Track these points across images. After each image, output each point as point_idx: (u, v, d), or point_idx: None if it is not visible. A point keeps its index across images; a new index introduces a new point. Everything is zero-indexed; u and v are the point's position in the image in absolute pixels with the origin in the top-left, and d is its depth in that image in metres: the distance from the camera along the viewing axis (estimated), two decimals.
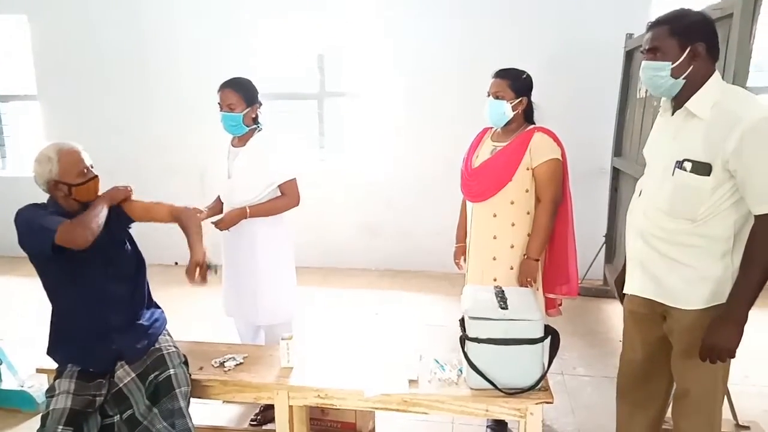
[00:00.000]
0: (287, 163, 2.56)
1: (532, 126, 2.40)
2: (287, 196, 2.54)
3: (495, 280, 2.40)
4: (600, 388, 2.89)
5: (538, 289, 2.46)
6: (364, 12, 4.52)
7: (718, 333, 1.65)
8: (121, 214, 2.12)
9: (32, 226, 1.91)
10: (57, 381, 1.96)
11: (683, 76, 1.65)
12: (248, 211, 2.45)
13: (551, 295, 2.50)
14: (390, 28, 4.50)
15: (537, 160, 2.33)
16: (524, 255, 2.39)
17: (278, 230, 2.58)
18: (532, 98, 2.43)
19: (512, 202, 2.38)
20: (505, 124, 2.41)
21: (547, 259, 2.48)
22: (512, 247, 2.40)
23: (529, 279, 2.38)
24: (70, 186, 1.97)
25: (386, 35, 4.52)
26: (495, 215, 2.40)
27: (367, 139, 4.77)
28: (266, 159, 2.50)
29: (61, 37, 4.91)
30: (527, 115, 2.43)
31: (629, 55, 3.92)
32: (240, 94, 2.48)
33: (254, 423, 2.60)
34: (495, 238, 2.42)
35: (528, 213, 2.39)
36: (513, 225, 2.39)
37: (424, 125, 4.56)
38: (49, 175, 1.96)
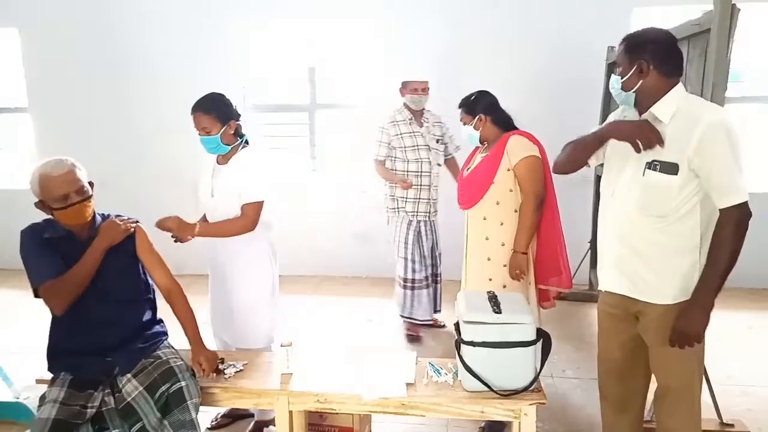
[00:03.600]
0: (259, 184, 2.41)
1: (510, 132, 2.58)
2: (243, 219, 2.38)
3: (490, 280, 2.53)
4: (588, 389, 2.97)
5: (530, 283, 2.57)
6: (354, 26, 4.62)
7: (686, 319, 1.76)
8: (130, 244, 2.13)
9: (25, 264, 2.01)
10: (48, 390, 1.98)
11: (633, 90, 1.79)
12: (197, 229, 2.35)
13: (543, 287, 2.62)
14: (378, 40, 4.59)
15: (515, 159, 2.50)
16: (512, 250, 2.52)
17: (257, 252, 2.49)
18: (507, 107, 2.65)
19: (498, 203, 2.53)
20: (487, 139, 2.64)
21: (538, 252, 2.60)
22: (503, 245, 2.54)
23: (517, 271, 2.50)
24: (51, 208, 2.00)
25: (375, 48, 4.61)
26: (485, 218, 2.56)
27: (357, 149, 4.84)
28: (243, 177, 2.40)
29: (51, 50, 4.93)
30: (502, 125, 2.61)
31: (611, 67, 4.05)
32: (211, 114, 2.36)
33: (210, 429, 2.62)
34: (487, 239, 2.56)
35: (515, 211, 2.54)
36: (502, 224, 2.54)
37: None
38: (35, 195, 2.01)
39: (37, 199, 2.01)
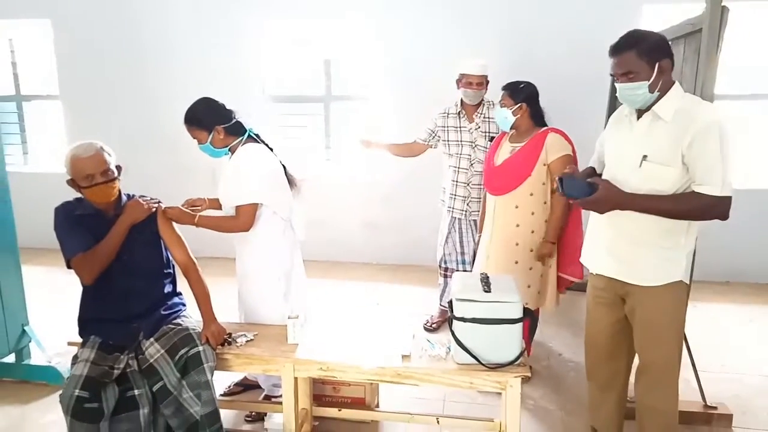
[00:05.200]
0: (252, 185, 2.43)
1: (546, 128, 2.77)
2: (236, 219, 2.45)
3: (516, 263, 2.77)
4: (581, 372, 3.05)
5: (551, 266, 2.80)
6: (368, 20, 4.75)
7: (608, 189, 1.89)
8: (152, 222, 2.33)
9: (59, 238, 2.21)
10: (80, 350, 2.19)
11: (657, 89, 1.89)
12: (197, 220, 2.43)
13: (561, 274, 2.83)
14: (390, 35, 4.73)
15: (552, 156, 2.70)
16: (543, 239, 2.75)
17: (268, 245, 2.54)
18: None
19: (531, 194, 2.74)
20: (518, 128, 2.82)
21: (562, 242, 2.81)
22: (533, 232, 2.77)
23: (546, 257, 2.75)
24: (79, 187, 2.21)
25: (387, 41, 4.74)
26: (517, 206, 2.77)
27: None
28: (235, 178, 2.46)
29: (82, 41, 5.17)
30: (537, 119, 2.80)
31: None
32: (195, 125, 2.45)
33: (248, 419, 2.73)
34: (518, 226, 2.77)
35: (545, 203, 2.76)
36: (533, 214, 2.76)
37: (424, 126, 4.77)
38: (67, 174, 2.21)
39: (68, 178, 2.22)
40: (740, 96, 4.49)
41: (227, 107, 2.52)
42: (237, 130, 2.50)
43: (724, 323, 3.82)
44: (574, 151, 2.76)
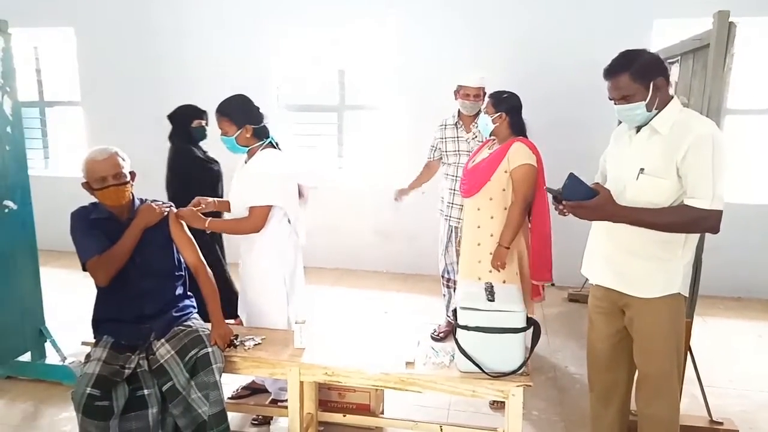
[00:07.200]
0: (267, 188, 2.49)
1: (516, 138, 2.82)
2: (249, 220, 2.50)
3: (480, 262, 2.85)
4: (587, 385, 3.10)
5: (516, 273, 2.83)
6: (382, 30, 4.83)
7: (605, 199, 1.88)
8: (165, 225, 2.39)
9: (74, 241, 2.29)
10: (93, 349, 2.26)
11: (654, 107, 1.92)
12: (207, 224, 2.47)
13: (536, 282, 2.89)
14: (404, 45, 4.80)
15: (513, 164, 2.76)
16: (498, 243, 2.80)
17: (270, 247, 2.58)
18: (527, 115, 2.87)
19: (491, 199, 2.82)
20: (497, 135, 2.88)
21: (533, 251, 2.86)
22: (491, 235, 2.84)
23: (498, 263, 2.78)
24: (92, 189, 2.28)
25: (400, 52, 4.82)
26: (479, 209, 2.86)
27: (381, 149, 5.05)
28: (251, 180, 2.51)
29: (103, 49, 5.32)
30: (516, 130, 2.85)
31: None
32: (227, 118, 2.49)
33: (255, 422, 2.78)
34: (479, 227, 2.87)
35: (505, 208, 2.82)
36: (492, 217, 2.83)
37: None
38: (83, 177, 2.29)
39: (83, 181, 2.30)
40: (761, 111, 4.47)
41: (260, 111, 2.59)
42: (262, 134, 2.57)
43: (734, 339, 3.79)
44: (539, 162, 2.81)
